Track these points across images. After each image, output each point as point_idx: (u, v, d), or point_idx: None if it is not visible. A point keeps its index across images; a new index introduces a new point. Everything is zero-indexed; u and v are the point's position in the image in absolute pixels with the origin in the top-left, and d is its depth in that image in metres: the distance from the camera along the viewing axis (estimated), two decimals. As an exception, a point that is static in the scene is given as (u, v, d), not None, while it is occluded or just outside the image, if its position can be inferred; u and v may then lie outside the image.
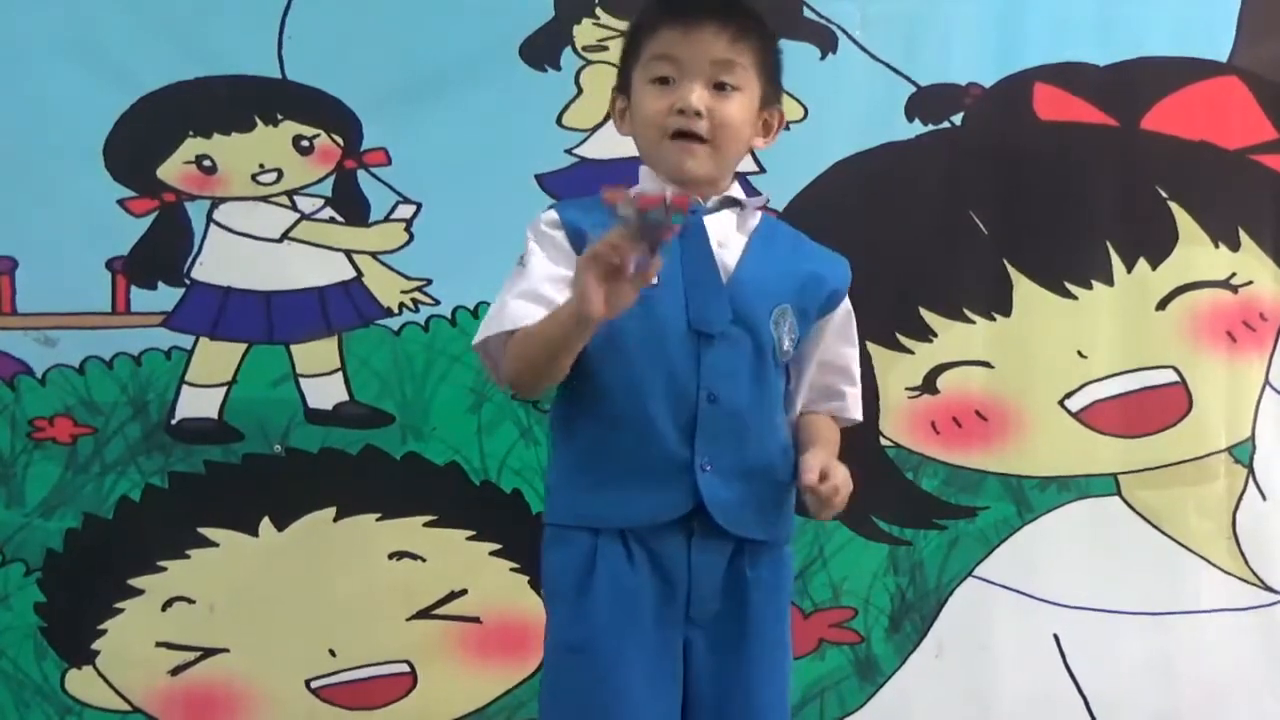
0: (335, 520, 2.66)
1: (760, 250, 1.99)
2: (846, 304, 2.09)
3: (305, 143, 2.69)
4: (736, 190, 2.03)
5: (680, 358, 1.89)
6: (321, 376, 2.68)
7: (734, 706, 1.92)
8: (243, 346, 2.66)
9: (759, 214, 2.05)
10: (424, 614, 2.68)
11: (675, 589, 1.90)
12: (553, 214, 1.98)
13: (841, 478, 1.91)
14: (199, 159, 2.67)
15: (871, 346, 2.71)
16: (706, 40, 1.93)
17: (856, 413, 2.11)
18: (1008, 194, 2.77)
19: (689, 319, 1.90)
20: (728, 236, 1.97)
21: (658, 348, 1.89)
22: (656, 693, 1.88)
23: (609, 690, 1.87)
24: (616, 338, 1.87)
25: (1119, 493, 2.80)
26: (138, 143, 2.65)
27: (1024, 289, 2.77)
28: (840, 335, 2.08)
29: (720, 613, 1.92)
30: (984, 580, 2.78)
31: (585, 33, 2.73)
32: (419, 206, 2.70)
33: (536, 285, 1.90)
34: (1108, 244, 2.79)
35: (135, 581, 2.64)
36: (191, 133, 2.67)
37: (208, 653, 2.66)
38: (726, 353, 1.91)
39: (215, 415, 2.65)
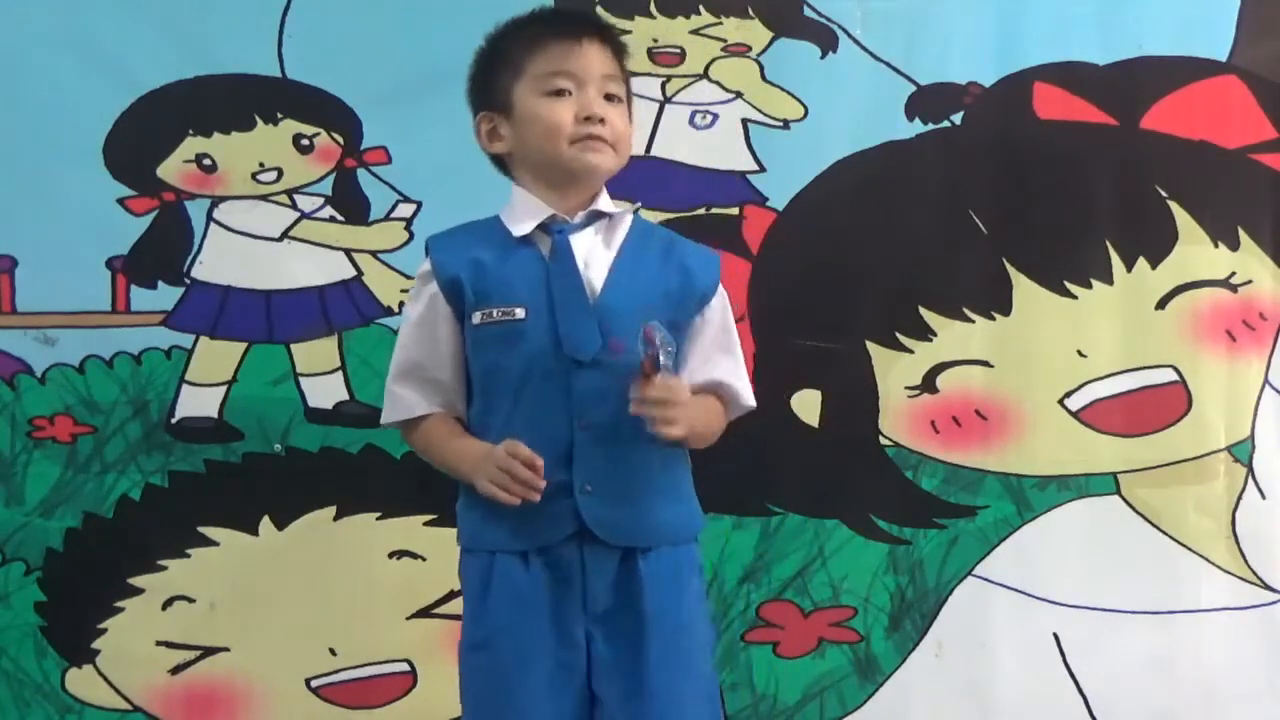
0: (335, 519, 2.66)
1: (629, 265, 2.03)
2: (717, 304, 2.10)
3: (305, 141, 2.69)
4: (604, 202, 2.08)
5: (553, 388, 1.96)
6: (322, 375, 2.68)
7: (633, 694, 1.97)
8: (243, 345, 2.66)
9: (629, 220, 2.09)
10: (424, 613, 2.68)
11: (571, 586, 1.98)
12: (426, 262, 2.07)
13: (677, 390, 1.92)
14: (199, 158, 2.67)
15: (871, 346, 2.71)
16: (594, 54, 2.03)
17: (747, 399, 2.12)
18: (1007, 194, 2.77)
19: (559, 348, 1.96)
20: (593, 254, 2.02)
21: (530, 380, 1.97)
22: (556, 685, 1.97)
23: (508, 683, 1.96)
24: (493, 375, 1.99)
25: (1119, 492, 2.80)
26: (137, 142, 2.65)
27: (1024, 288, 2.77)
28: (714, 344, 2.09)
29: (615, 607, 1.99)
30: (984, 579, 2.78)
31: (585, 32, 2.73)
32: (419, 205, 2.70)
33: (411, 369, 2.06)
34: (1107, 243, 2.79)
35: (135, 580, 2.64)
36: (191, 131, 2.67)
37: (208, 652, 2.66)
38: (598, 377, 1.96)
39: (215, 414, 2.65)
